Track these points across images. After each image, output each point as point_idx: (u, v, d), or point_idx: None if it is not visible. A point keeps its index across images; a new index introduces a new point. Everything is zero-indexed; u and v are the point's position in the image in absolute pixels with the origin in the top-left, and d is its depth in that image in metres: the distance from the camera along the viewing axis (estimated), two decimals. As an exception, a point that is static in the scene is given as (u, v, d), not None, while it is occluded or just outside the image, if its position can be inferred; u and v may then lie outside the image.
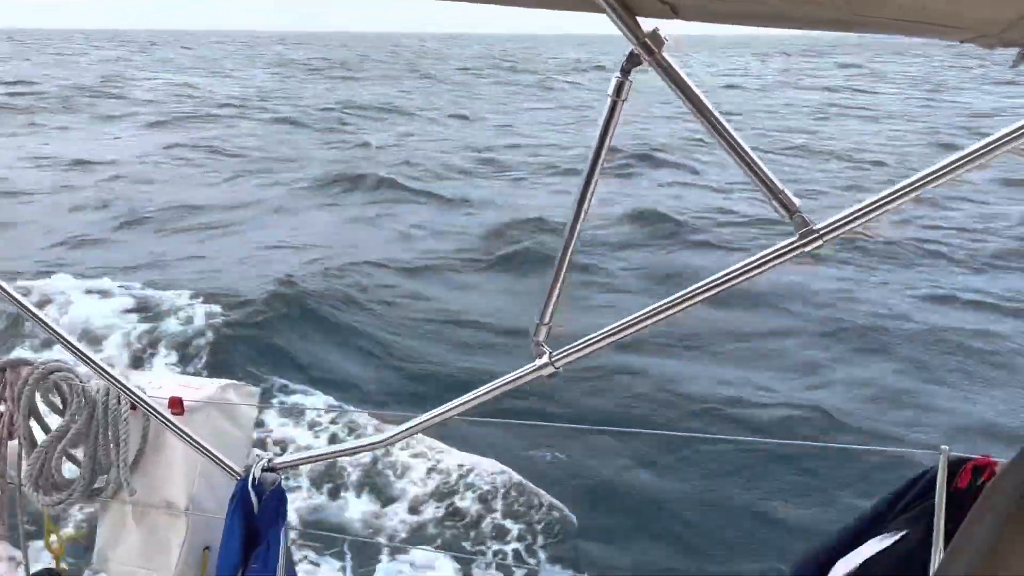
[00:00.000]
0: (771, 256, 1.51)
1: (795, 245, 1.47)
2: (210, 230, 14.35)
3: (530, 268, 12.06)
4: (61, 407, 2.49)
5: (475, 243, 13.71)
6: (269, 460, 2.32)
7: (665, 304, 1.65)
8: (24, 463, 2.45)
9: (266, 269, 11.62)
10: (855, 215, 1.44)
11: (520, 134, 27.74)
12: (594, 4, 1.32)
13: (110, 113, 31.15)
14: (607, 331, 1.74)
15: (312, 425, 7.17)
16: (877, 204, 1.44)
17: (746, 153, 1.43)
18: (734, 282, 1.57)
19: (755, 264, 1.55)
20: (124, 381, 2.31)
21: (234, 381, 2.70)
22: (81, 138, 24.98)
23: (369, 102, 36.53)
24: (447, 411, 1.98)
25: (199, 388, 2.56)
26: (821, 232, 1.44)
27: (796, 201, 1.44)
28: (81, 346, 2.26)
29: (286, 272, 11.25)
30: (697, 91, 1.38)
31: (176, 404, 2.40)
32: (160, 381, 2.55)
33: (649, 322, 1.68)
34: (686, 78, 1.38)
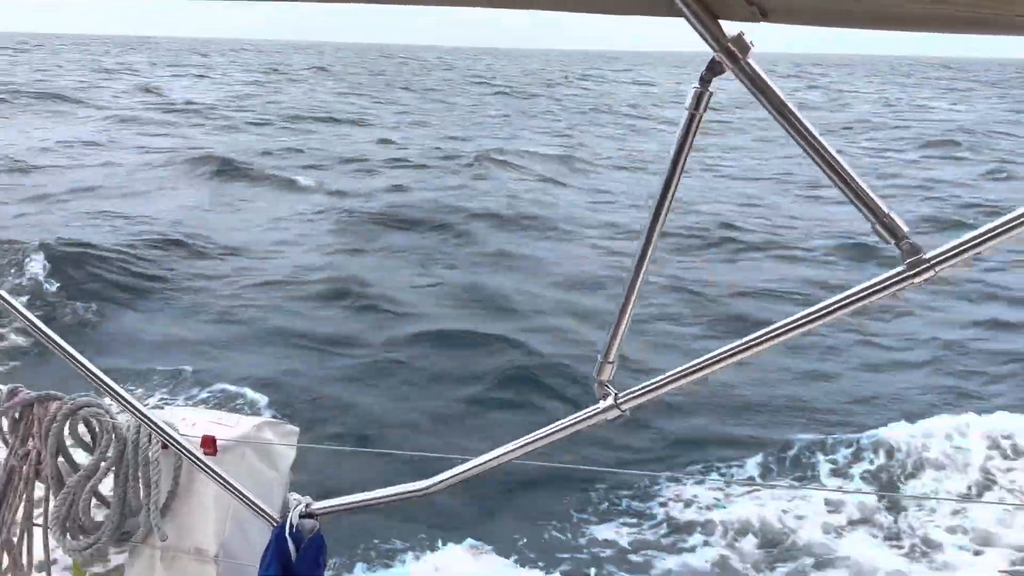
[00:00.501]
0: (876, 287, 1.32)
1: (903, 275, 1.28)
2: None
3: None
4: (91, 444, 2.36)
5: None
6: (307, 505, 2.16)
7: (752, 340, 1.46)
8: (51, 503, 2.32)
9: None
10: (970, 243, 1.25)
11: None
12: (672, 8, 1.18)
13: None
14: (681, 371, 1.56)
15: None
16: (993, 232, 1.25)
17: (845, 171, 1.25)
18: (835, 315, 1.38)
19: (857, 296, 1.35)
20: (155, 418, 2.18)
21: (270, 419, 2.55)
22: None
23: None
24: (502, 455, 1.80)
25: (234, 426, 2.41)
26: (932, 261, 1.25)
27: (904, 226, 1.26)
28: (110, 381, 2.14)
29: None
30: (788, 102, 1.22)
31: (209, 443, 2.25)
32: (193, 417, 2.41)
33: (732, 360, 1.50)
34: (775, 87, 1.22)
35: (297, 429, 2.69)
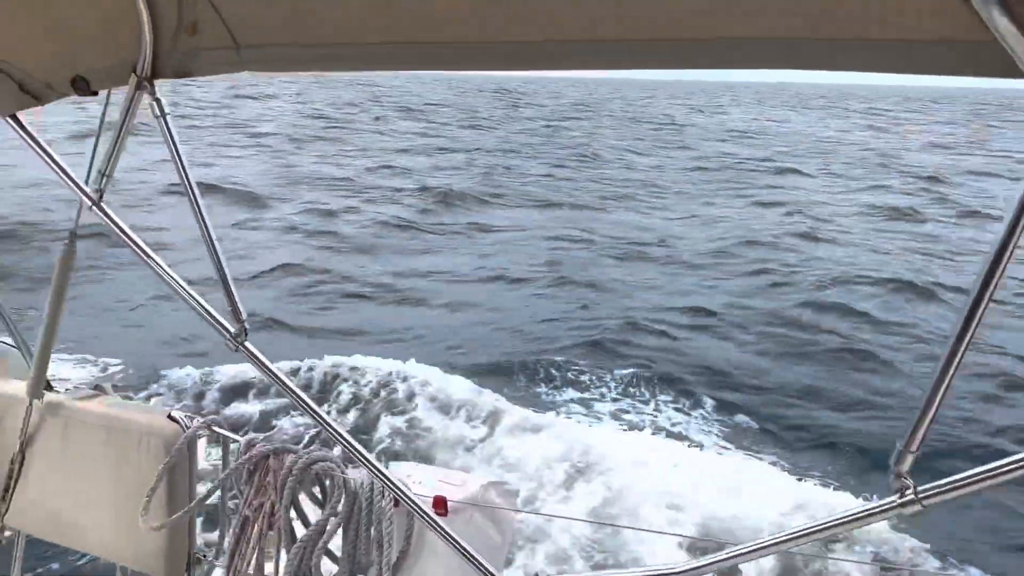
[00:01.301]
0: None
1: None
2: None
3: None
4: (321, 499, 2.34)
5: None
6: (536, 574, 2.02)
7: None
8: (283, 558, 2.32)
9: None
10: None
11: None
12: None
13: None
14: (992, 469, 1.30)
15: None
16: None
17: None
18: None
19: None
20: (389, 474, 2.12)
21: (495, 480, 2.46)
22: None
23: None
24: (778, 541, 1.58)
25: (461, 485, 2.34)
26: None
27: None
28: (346, 434, 2.11)
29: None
30: None
31: (441, 504, 2.17)
32: (418, 474, 2.36)
33: None
34: None
35: (518, 490, 2.59)
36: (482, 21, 1.45)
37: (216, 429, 2.48)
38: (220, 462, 2.61)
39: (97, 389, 2.73)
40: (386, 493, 2.17)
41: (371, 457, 2.08)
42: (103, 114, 2.34)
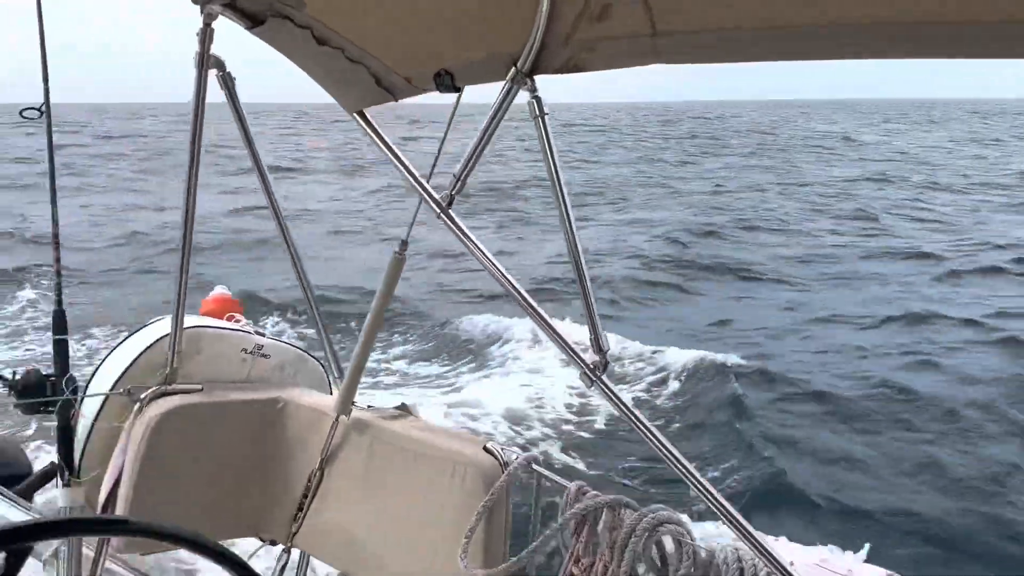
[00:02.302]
0: None
1: None
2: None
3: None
4: (660, 566, 2.01)
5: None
6: None
7: None
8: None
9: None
10: None
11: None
12: None
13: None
14: None
15: None
16: None
17: None
18: None
19: None
20: (767, 547, 1.75)
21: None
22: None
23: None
24: None
25: None
26: None
27: None
28: (719, 496, 1.77)
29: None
30: None
31: None
32: (790, 551, 1.97)
33: None
34: None
35: None
36: None
37: (537, 468, 2.22)
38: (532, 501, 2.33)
39: (403, 409, 2.57)
40: (758, 572, 1.80)
41: (754, 531, 1.72)
42: (452, 112, 2.16)
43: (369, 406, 2.62)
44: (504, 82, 1.79)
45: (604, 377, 1.87)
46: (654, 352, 11.49)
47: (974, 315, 13.82)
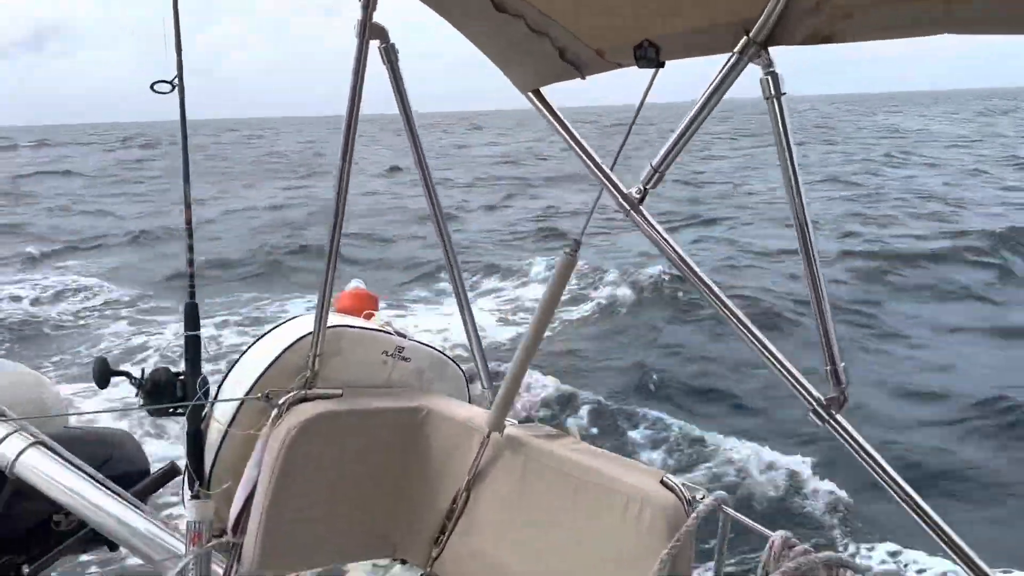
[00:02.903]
0: None
1: None
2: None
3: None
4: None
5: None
6: None
7: None
8: None
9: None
10: None
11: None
12: None
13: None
14: None
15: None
16: None
17: None
18: None
19: None
20: None
21: None
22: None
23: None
24: None
25: None
26: None
27: None
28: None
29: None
30: None
31: None
32: None
33: None
34: None
35: None
36: None
37: (728, 510, 1.88)
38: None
39: (560, 429, 2.28)
40: None
41: None
42: (645, 94, 1.83)
43: (521, 422, 2.34)
44: (730, 55, 1.46)
45: (839, 416, 1.52)
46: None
47: None
